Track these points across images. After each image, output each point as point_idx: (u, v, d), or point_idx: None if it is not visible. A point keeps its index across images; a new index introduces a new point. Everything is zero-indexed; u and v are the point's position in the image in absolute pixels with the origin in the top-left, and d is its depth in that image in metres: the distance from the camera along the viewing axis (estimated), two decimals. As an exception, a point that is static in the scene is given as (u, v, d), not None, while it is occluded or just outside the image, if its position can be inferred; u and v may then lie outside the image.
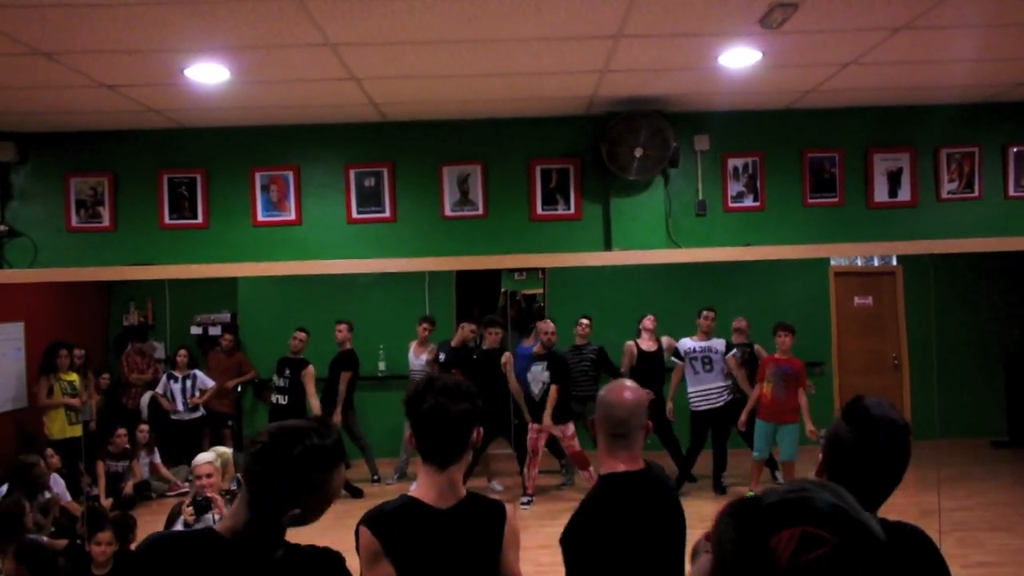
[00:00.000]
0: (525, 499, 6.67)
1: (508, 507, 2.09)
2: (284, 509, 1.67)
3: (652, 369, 7.09)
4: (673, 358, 6.98)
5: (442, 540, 1.97)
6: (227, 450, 4.90)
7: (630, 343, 7.09)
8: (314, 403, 7.07)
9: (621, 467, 2.31)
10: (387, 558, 1.94)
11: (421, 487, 2.03)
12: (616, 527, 2.26)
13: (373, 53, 4.17)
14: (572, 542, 2.25)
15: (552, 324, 6.87)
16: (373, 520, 1.98)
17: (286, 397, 7.22)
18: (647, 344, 7.12)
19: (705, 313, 6.86)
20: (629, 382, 2.41)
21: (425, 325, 7.92)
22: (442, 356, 7.63)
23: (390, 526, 1.97)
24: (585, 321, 7.32)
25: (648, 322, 7.22)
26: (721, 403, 6.76)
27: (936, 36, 4.20)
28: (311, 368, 7.10)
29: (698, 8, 3.72)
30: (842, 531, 0.90)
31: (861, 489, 1.46)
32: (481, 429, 2.05)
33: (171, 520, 4.32)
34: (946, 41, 4.30)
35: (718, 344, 6.85)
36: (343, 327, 7.38)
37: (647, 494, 2.32)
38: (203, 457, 4.50)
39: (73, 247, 5.48)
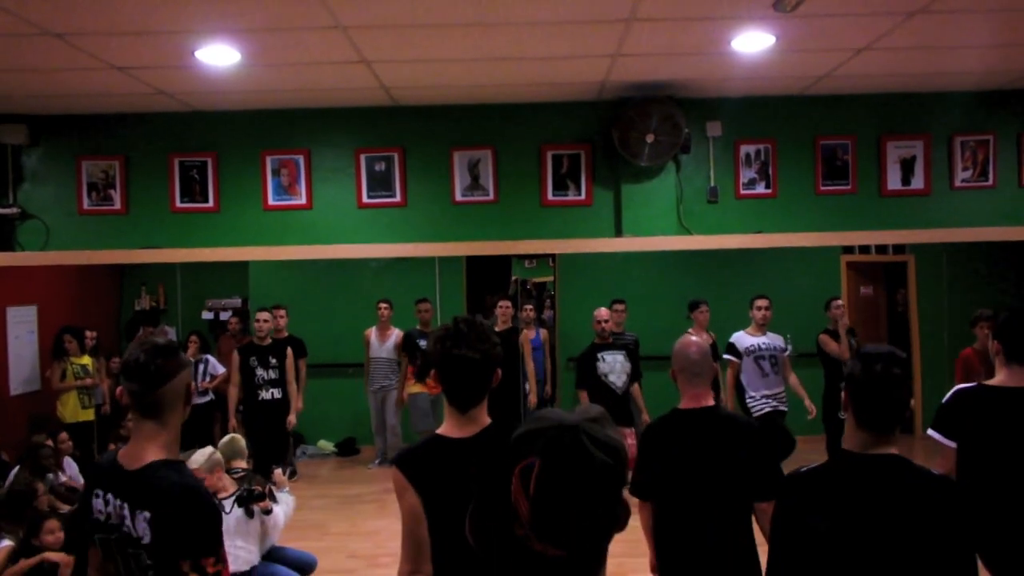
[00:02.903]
0: None
1: None
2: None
3: None
4: (727, 355, 6.35)
5: (461, 464, 2.14)
6: (237, 436, 4.93)
7: (687, 336, 6.88)
8: (293, 389, 6.80)
9: (690, 404, 3.08)
10: (412, 489, 2.17)
11: (445, 425, 2.25)
12: (675, 451, 3.03)
13: (384, 36, 4.16)
14: (644, 454, 3.13)
15: (606, 311, 6.38)
16: (400, 458, 2.26)
17: (280, 390, 6.71)
18: (703, 336, 6.79)
19: (758, 303, 6.28)
20: (692, 336, 3.24)
21: (385, 306, 7.82)
22: (423, 343, 7.53)
23: (414, 460, 2.23)
24: (620, 307, 7.09)
25: (701, 314, 6.79)
26: (785, 407, 6.24)
27: (952, 20, 4.15)
28: (292, 351, 6.91)
29: (711, -9, 3.69)
30: (543, 453, 1.14)
31: (874, 410, 2.04)
32: (500, 371, 2.25)
33: None
34: (962, 26, 4.25)
35: (778, 340, 6.32)
36: (284, 312, 6.93)
37: (706, 426, 3.04)
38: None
39: (85, 230, 5.49)
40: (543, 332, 7.91)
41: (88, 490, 2.15)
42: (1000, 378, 3.13)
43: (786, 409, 6.26)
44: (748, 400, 6.25)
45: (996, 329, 3.19)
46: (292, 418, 6.84)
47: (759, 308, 6.30)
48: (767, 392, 6.19)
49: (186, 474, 2.04)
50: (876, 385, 2.05)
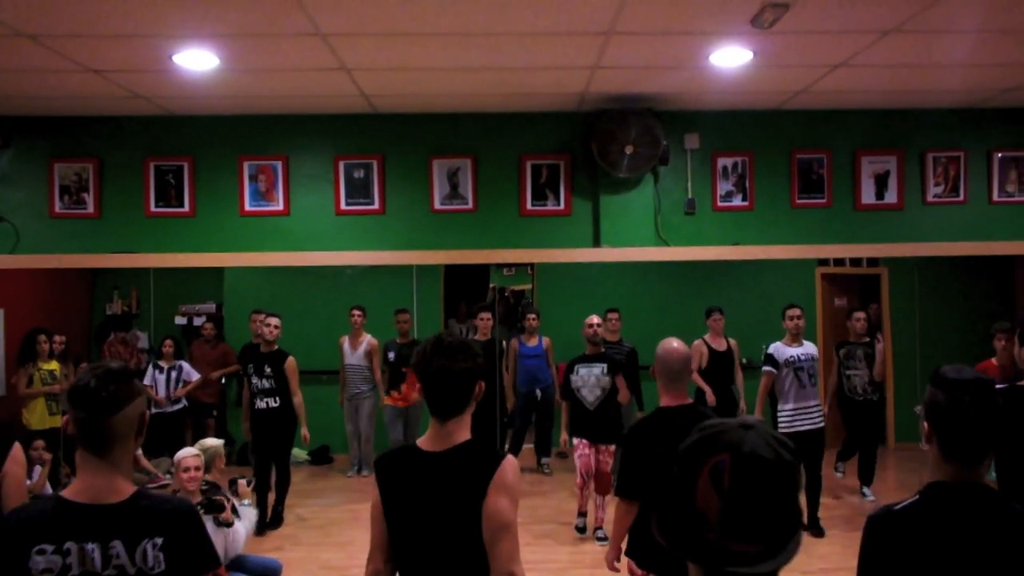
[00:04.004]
0: (581, 521, 5.96)
1: (508, 458, 2.29)
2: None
3: (724, 369, 6.69)
4: (766, 367, 6.04)
5: (423, 477, 2.26)
6: (217, 442, 4.84)
7: (699, 342, 6.74)
8: (298, 400, 6.46)
9: (671, 402, 3.31)
10: (378, 489, 2.33)
11: (425, 435, 2.33)
12: (660, 448, 3.04)
13: (364, 44, 4.15)
14: (630, 454, 3.33)
15: (597, 317, 6.14)
16: (378, 459, 2.43)
17: (277, 399, 6.36)
18: (717, 343, 6.78)
19: (790, 312, 6.03)
20: (674, 340, 3.38)
21: (358, 313, 7.77)
22: (391, 355, 7.48)
23: (385, 464, 2.37)
24: (614, 315, 6.98)
25: (715, 322, 6.73)
26: (822, 423, 5.96)
27: (925, 40, 4.22)
28: (293, 360, 6.53)
29: (690, 7, 3.72)
30: (733, 450, 1.19)
31: (964, 443, 1.90)
32: (483, 383, 2.31)
33: None
34: (935, 45, 4.33)
35: (812, 349, 6.05)
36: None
37: (688, 422, 3.06)
38: (187, 451, 4.47)
39: (56, 233, 5.42)
40: (546, 340, 7.84)
41: (18, 550, 1.85)
42: None
43: (822, 425, 5.99)
44: (779, 414, 5.93)
45: (1021, 335, 3.40)
46: (305, 431, 6.47)
47: (791, 318, 6.00)
48: (803, 405, 5.90)
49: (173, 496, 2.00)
50: (965, 417, 1.89)
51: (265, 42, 4.12)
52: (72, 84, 4.72)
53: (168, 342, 8.03)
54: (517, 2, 3.62)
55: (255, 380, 6.38)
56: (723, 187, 5.52)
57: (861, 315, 6.73)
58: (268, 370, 6.37)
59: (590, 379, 5.91)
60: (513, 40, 4.13)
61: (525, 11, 3.72)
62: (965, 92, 5.25)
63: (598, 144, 5.23)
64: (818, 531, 5.90)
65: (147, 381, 8.01)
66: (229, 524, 4.18)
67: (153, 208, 5.41)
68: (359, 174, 5.43)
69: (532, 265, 8.45)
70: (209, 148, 5.43)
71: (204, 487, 4.40)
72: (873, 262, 8.51)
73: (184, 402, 7.96)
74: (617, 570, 3.51)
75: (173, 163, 5.40)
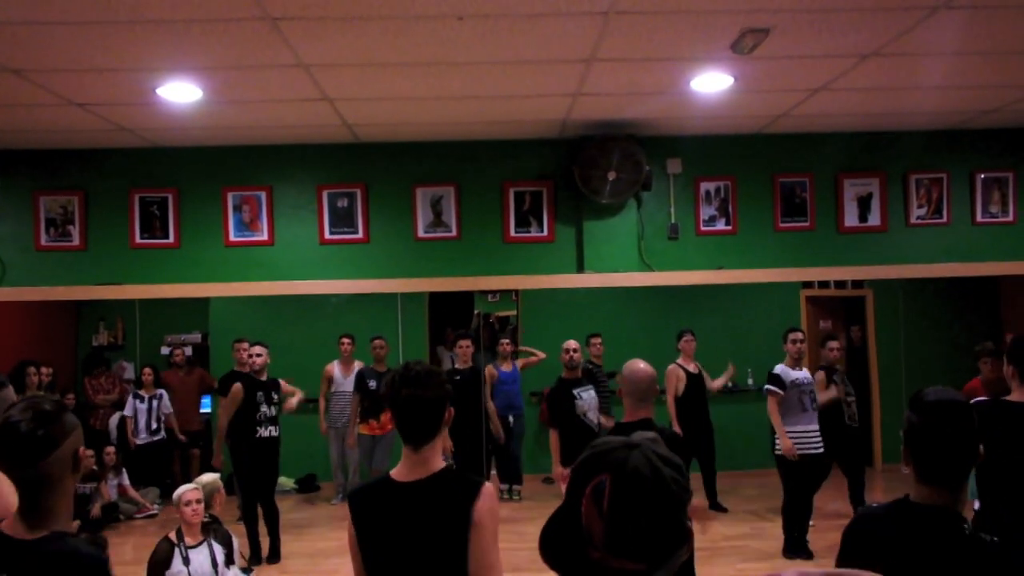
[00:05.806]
0: None
1: (486, 487, 2.28)
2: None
3: (699, 393, 6.69)
4: (771, 387, 5.93)
5: (400, 509, 2.26)
6: (214, 476, 4.78)
7: (673, 366, 6.71)
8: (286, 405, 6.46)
9: (631, 419, 3.51)
10: (352, 524, 2.33)
11: (399, 465, 2.34)
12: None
13: (346, 74, 4.18)
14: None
15: (575, 343, 6.14)
16: (351, 493, 2.44)
17: (277, 428, 6.32)
18: (691, 366, 6.74)
19: (792, 336, 5.98)
20: (640, 360, 3.54)
21: (347, 341, 7.78)
22: (372, 384, 7.41)
23: (360, 499, 2.38)
24: (597, 340, 7.01)
25: (687, 343, 6.72)
26: (822, 449, 5.89)
27: (904, 63, 4.27)
28: (286, 384, 6.61)
29: (670, 34, 3.76)
30: (614, 470, 1.18)
31: (941, 466, 1.90)
32: (452, 409, 2.34)
33: (158, 561, 4.20)
34: (914, 69, 4.38)
35: (808, 374, 6.01)
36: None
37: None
38: (186, 486, 4.44)
39: (42, 266, 5.40)
40: (519, 361, 7.89)
41: None
42: (1016, 395, 3.43)
43: (821, 451, 5.93)
44: (778, 439, 5.87)
45: (1009, 353, 3.46)
46: (293, 401, 6.62)
47: (794, 341, 5.94)
48: (805, 429, 5.85)
49: (92, 547, 1.91)
50: (939, 440, 1.88)
51: (248, 74, 4.14)
52: (57, 118, 4.73)
53: (147, 371, 8.00)
54: (498, 31, 3.65)
55: (264, 408, 6.27)
56: (706, 211, 5.54)
57: (835, 344, 6.58)
58: (275, 397, 6.39)
59: (592, 401, 5.95)
60: (494, 68, 4.16)
61: (506, 40, 3.75)
62: (945, 114, 5.31)
63: (580, 170, 5.26)
64: (807, 554, 5.91)
65: (127, 412, 7.97)
66: None
67: (138, 239, 5.40)
68: (343, 203, 5.44)
69: (517, 291, 8.47)
70: (193, 179, 5.44)
71: (207, 519, 4.37)
72: (858, 284, 8.56)
73: (163, 433, 7.92)
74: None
75: (158, 195, 5.41)
